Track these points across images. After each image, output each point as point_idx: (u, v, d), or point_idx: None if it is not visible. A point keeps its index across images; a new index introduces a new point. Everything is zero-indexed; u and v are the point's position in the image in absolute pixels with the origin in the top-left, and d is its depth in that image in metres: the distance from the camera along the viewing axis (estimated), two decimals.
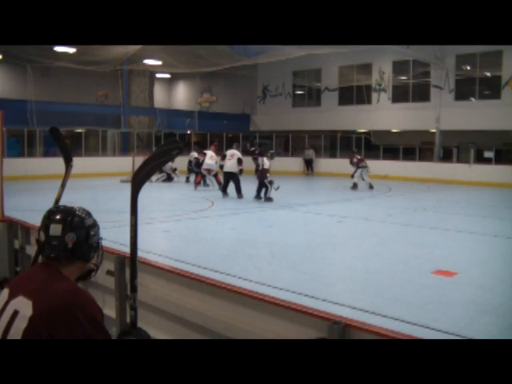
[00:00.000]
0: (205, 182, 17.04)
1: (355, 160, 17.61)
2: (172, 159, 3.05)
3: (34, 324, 1.67)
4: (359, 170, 17.32)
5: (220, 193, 14.57)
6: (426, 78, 22.73)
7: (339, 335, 1.99)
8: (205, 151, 16.79)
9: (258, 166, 15.44)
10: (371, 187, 17.03)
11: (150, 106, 26.78)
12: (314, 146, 24.88)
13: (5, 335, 1.71)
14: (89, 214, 1.98)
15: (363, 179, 17.19)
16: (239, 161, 14.05)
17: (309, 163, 24.30)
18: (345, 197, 15.34)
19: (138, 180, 2.75)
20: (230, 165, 14.02)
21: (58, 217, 1.90)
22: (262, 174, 13.87)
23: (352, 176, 17.21)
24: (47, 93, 24.54)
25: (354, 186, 17.08)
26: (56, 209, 1.95)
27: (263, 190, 13.83)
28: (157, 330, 3.00)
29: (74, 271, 1.92)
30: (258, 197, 13.76)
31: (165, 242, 8.69)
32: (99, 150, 22.89)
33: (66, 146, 4.77)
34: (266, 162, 13.91)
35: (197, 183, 16.61)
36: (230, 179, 14.16)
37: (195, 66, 22.20)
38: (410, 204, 13.85)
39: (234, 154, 14.25)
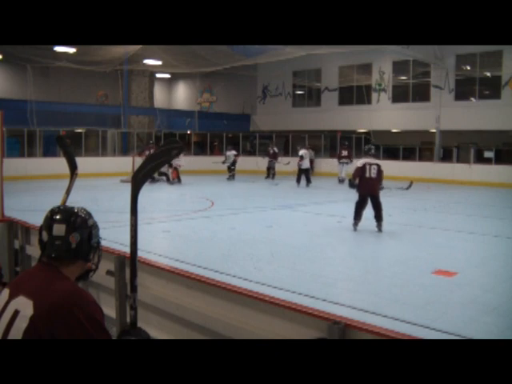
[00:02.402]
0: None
1: (342, 154, 19.91)
2: (172, 159, 3.05)
3: (34, 324, 1.67)
4: (340, 166, 19.70)
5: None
6: (426, 78, 22.73)
7: (339, 335, 1.99)
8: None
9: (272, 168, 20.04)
10: (340, 181, 19.09)
11: (150, 106, 26.77)
12: (314, 147, 24.82)
13: (5, 335, 1.71)
14: (90, 215, 1.99)
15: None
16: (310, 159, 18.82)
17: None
18: (345, 197, 15.31)
19: (138, 180, 2.75)
20: (306, 163, 18.26)
21: (61, 217, 1.89)
22: (375, 186, 9.39)
23: None
24: (47, 93, 24.53)
25: (341, 181, 19.03)
26: (58, 209, 1.95)
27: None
28: (157, 330, 3.00)
29: (75, 271, 1.92)
30: (380, 227, 9.32)
31: (165, 242, 8.69)
32: (99, 150, 22.87)
33: (71, 155, 4.84)
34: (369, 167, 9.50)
35: (174, 178, 18.79)
36: (303, 173, 18.16)
37: (195, 66, 22.19)
38: (410, 204, 13.84)
39: (306, 153, 18.43)
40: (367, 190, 9.41)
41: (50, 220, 1.89)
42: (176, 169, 18.54)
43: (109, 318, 3.16)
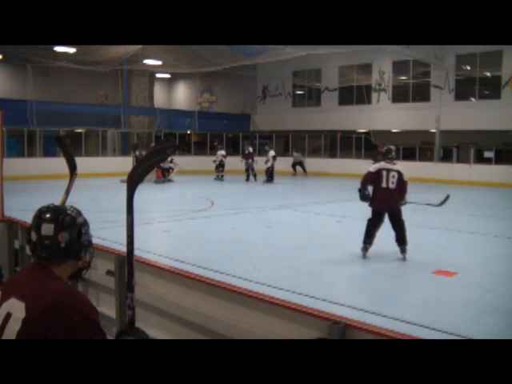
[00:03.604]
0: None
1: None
2: (167, 158, 3.05)
3: (27, 326, 1.65)
4: None
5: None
6: (426, 78, 22.73)
7: (339, 335, 1.99)
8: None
9: (250, 167, 20.03)
10: None
11: (150, 106, 26.77)
12: (299, 149, 24.38)
13: None
14: (79, 213, 1.94)
15: None
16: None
17: (300, 165, 23.93)
18: (345, 197, 15.32)
19: (134, 179, 2.75)
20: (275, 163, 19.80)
21: (49, 216, 1.85)
22: (395, 200, 7.27)
23: None
24: (47, 93, 24.52)
25: None
26: (46, 208, 1.90)
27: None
28: (157, 329, 2.99)
29: (66, 270, 1.89)
30: (404, 254, 7.19)
31: (165, 241, 8.69)
32: (99, 150, 22.88)
33: (71, 155, 4.87)
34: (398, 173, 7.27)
35: (158, 178, 18.87)
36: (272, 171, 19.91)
37: (195, 66, 22.20)
38: (410, 204, 13.82)
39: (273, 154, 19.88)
40: (383, 204, 7.23)
41: (38, 219, 1.85)
42: (162, 168, 18.46)
43: (109, 318, 3.17)
